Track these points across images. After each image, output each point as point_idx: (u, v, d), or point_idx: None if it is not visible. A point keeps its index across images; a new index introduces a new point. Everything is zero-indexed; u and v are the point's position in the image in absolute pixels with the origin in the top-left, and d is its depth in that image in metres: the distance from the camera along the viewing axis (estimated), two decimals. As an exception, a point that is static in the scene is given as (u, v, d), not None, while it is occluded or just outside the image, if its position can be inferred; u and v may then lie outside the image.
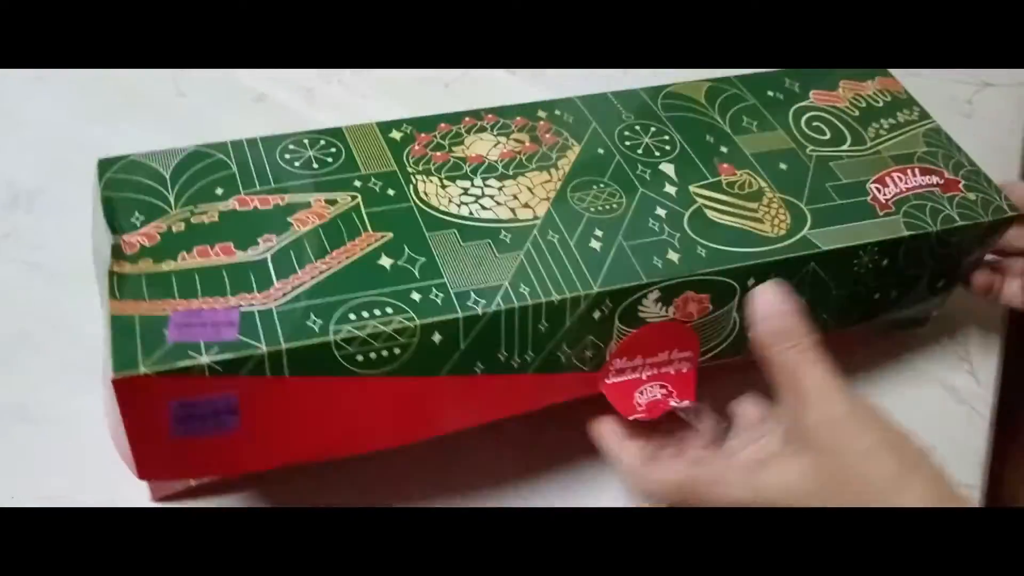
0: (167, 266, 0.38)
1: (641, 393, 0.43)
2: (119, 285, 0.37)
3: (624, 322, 0.41)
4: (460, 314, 0.38)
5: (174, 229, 0.40)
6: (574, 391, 0.42)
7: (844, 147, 0.49)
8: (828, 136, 0.50)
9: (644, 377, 0.43)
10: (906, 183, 0.48)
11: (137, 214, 0.40)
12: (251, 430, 0.37)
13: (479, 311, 0.38)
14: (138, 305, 0.36)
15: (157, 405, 0.35)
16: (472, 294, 0.38)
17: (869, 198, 0.47)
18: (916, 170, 0.49)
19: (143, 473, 0.37)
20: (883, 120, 0.51)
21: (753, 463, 0.37)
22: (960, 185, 0.49)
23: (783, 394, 0.37)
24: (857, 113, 0.51)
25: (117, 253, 0.38)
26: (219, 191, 0.42)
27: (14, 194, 0.49)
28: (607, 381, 0.42)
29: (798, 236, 0.44)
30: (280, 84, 0.57)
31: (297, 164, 0.43)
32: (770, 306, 0.39)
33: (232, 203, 0.41)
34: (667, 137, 0.48)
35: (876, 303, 0.47)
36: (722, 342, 0.44)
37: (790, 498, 0.36)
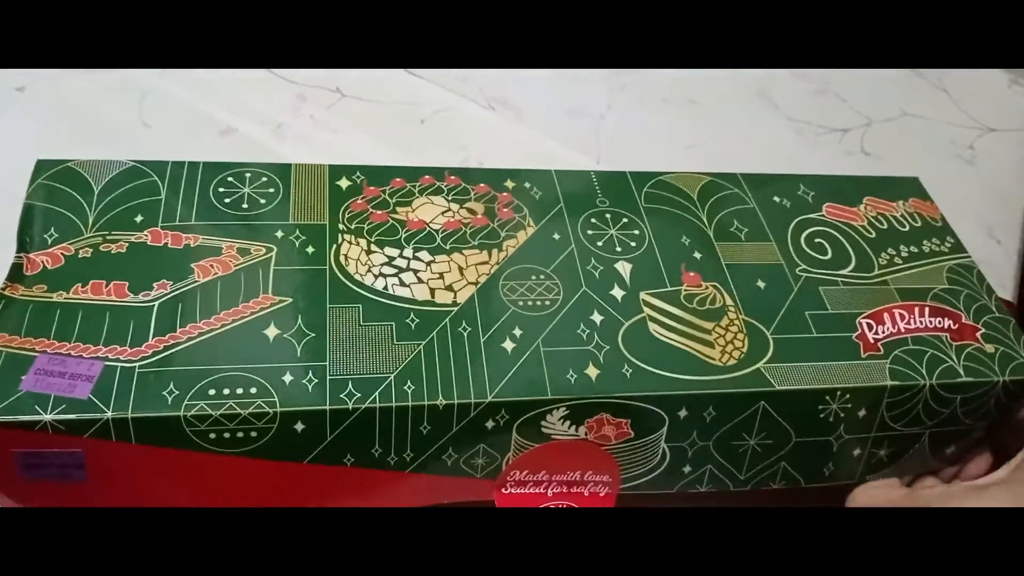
0: (57, 297, 0.37)
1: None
2: (1, 312, 0.36)
3: (524, 435, 0.37)
4: (327, 406, 0.35)
5: (80, 254, 0.39)
6: (463, 495, 0.39)
7: (844, 271, 0.43)
8: (828, 256, 0.43)
9: (549, 493, 0.39)
10: (907, 323, 0.41)
11: (53, 231, 0.39)
12: (100, 483, 0.35)
13: (349, 405, 0.35)
14: (11, 339, 0.35)
15: (2, 451, 0.34)
16: (350, 384, 0.36)
17: (855, 335, 0.41)
18: (925, 309, 0.42)
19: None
20: (903, 247, 0.44)
21: None
22: (978, 334, 0.42)
23: None
24: (873, 235, 0.45)
25: (15, 274, 0.38)
26: (139, 219, 0.40)
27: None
28: (503, 491, 0.39)
29: (749, 369, 0.39)
30: (249, 117, 0.55)
31: (227, 201, 0.41)
32: None
33: (145, 235, 0.40)
34: (637, 232, 0.43)
35: (857, 460, 0.41)
36: (650, 471, 0.40)
37: None
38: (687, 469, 0.40)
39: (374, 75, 0.58)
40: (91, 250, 0.39)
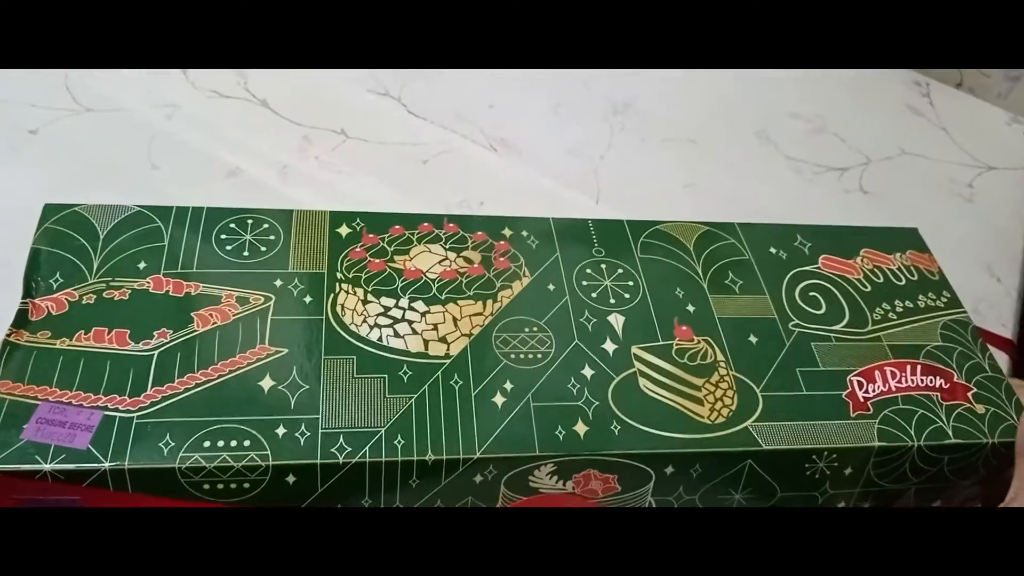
0: (60, 344, 0.38)
1: (529, 559, 0.40)
2: (7, 360, 0.37)
3: (512, 489, 0.38)
4: (319, 460, 0.36)
5: (84, 300, 0.40)
6: (452, 545, 0.40)
7: (838, 327, 0.43)
8: (822, 311, 0.44)
9: (536, 543, 0.40)
10: (898, 382, 0.42)
11: (58, 275, 0.40)
12: (98, 530, 0.37)
13: (340, 459, 0.36)
14: (14, 387, 0.36)
15: (3, 496, 0.35)
16: (341, 438, 0.36)
17: (845, 393, 0.41)
18: (918, 367, 0.42)
19: None
20: (898, 302, 0.45)
21: None
22: (969, 394, 0.42)
23: None
24: (869, 288, 0.45)
25: (20, 321, 0.39)
26: (142, 265, 0.41)
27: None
28: (491, 541, 0.40)
29: (738, 427, 0.39)
30: (255, 159, 0.56)
31: (228, 248, 0.42)
32: None
33: (148, 282, 0.41)
34: (631, 283, 0.43)
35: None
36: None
37: None
38: None
39: (378, 117, 0.59)
40: (95, 296, 0.40)
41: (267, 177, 0.54)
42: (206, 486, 0.35)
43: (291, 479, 0.36)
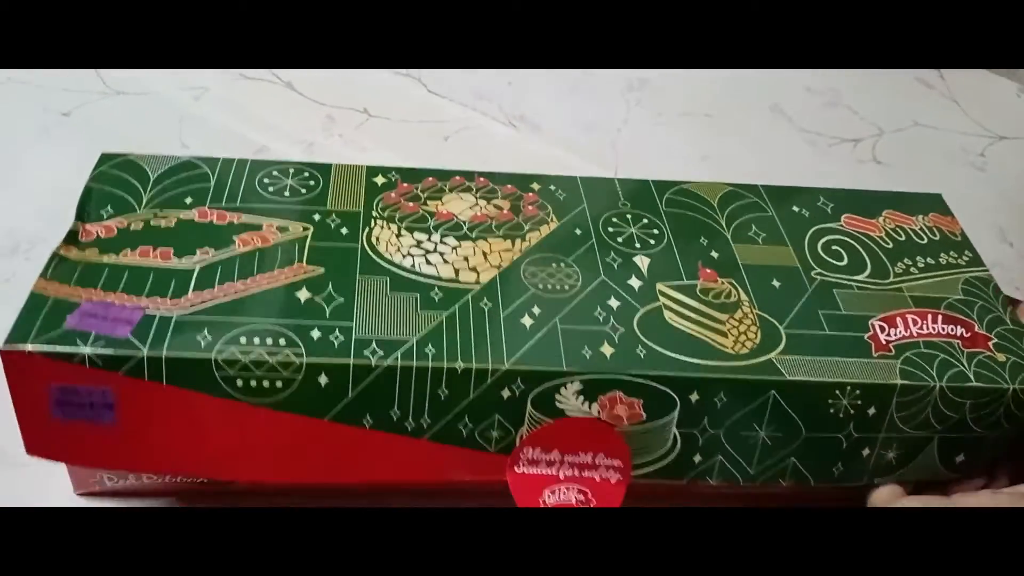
0: (107, 259, 0.40)
1: (552, 492, 0.40)
2: (55, 267, 0.39)
3: (538, 408, 0.38)
4: (352, 360, 0.36)
5: (132, 227, 0.41)
6: (477, 471, 0.39)
7: (859, 277, 0.44)
8: (844, 263, 0.45)
9: (561, 476, 0.40)
10: (919, 328, 0.42)
11: (109, 208, 0.42)
12: (128, 427, 0.37)
13: (372, 362, 0.37)
14: (60, 287, 0.38)
15: (38, 384, 0.36)
16: (374, 343, 0.37)
17: (867, 335, 0.41)
18: (939, 316, 0.43)
19: (31, 449, 0.38)
20: (920, 258, 0.46)
21: None
22: (990, 343, 0.42)
23: None
24: (891, 245, 0.46)
25: (71, 238, 0.40)
26: (188, 200, 0.43)
27: (15, 242, 0.52)
28: (515, 470, 0.40)
29: (762, 358, 0.39)
30: (281, 137, 0.59)
31: (271, 190, 0.44)
32: None
33: (193, 213, 0.42)
34: (656, 231, 0.45)
35: (866, 461, 0.41)
36: (659, 459, 0.40)
37: None
38: (697, 459, 0.40)
39: (399, 96, 0.63)
40: (143, 223, 0.42)
41: (293, 154, 0.57)
42: (239, 382, 0.36)
43: (323, 380, 0.36)
